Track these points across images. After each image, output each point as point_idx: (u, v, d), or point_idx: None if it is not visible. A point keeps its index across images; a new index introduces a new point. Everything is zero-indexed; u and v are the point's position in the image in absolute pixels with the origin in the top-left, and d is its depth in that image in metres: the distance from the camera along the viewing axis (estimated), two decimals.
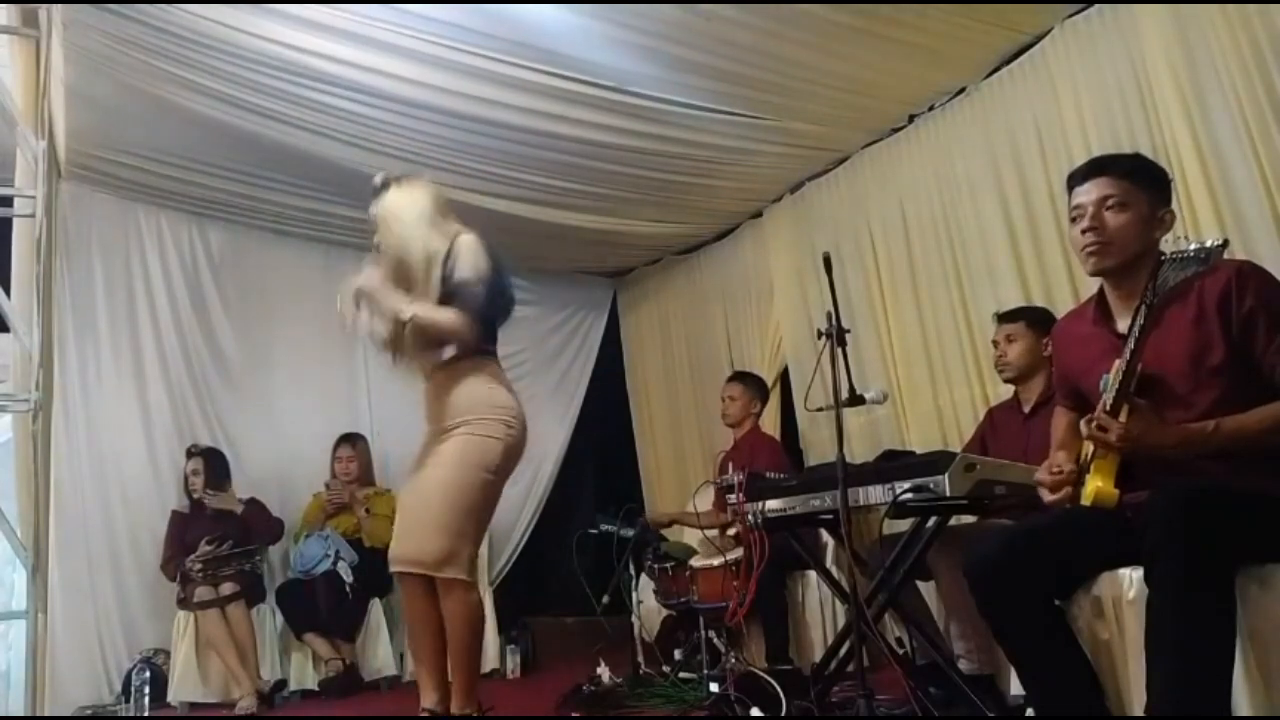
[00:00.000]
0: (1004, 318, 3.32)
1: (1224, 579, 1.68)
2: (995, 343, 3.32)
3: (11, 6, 3.57)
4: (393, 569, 2.87)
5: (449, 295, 2.78)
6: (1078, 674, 1.91)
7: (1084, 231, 2.04)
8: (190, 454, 4.82)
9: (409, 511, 2.86)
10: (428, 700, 2.90)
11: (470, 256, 2.81)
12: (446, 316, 2.76)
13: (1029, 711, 2.34)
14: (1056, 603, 2.00)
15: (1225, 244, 1.85)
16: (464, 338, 2.79)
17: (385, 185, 2.93)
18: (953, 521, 2.87)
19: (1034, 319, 3.21)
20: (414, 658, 2.98)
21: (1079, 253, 2.10)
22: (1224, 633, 1.66)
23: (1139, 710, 1.80)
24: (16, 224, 3.71)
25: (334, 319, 5.31)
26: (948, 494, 2.51)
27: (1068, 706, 1.90)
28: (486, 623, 4.96)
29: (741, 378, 4.65)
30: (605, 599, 4.20)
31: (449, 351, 2.84)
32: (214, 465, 4.80)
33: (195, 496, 4.72)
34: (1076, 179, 2.09)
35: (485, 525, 2.90)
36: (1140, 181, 2.03)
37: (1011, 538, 2.03)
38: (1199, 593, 1.66)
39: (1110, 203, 2.02)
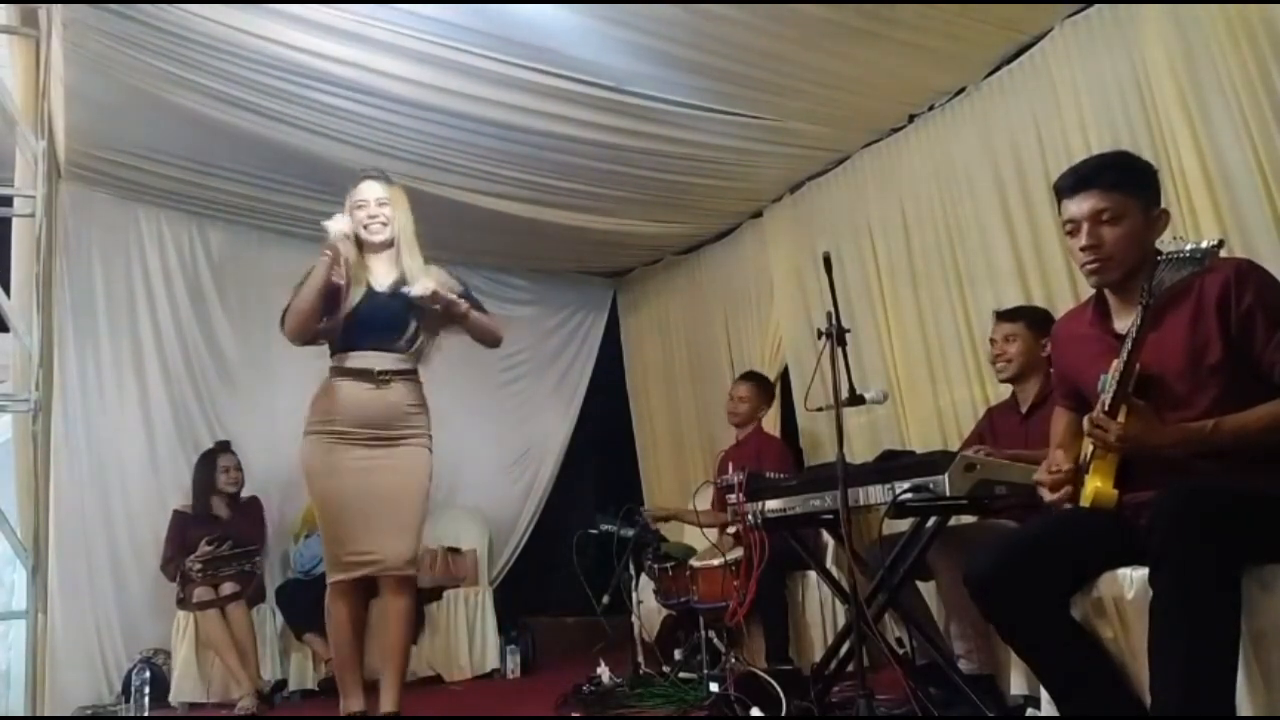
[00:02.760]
0: (1003, 316, 3.32)
1: (1229, 580, 1.68)
2: (993, 340, 3.31)
3: (11, 6, 3.57)
4: (368, 571, 2.92)
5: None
6: (1099, 670, 1.90)
7: (1082, 249, 2.03)
8: (227, 449, 4.82)
9: (385, 517, 2.92)
10: (358, 704, 2.94)
11: (447, 277, 3.08)
12: (495, 322, 3.13)
13: (1029, 711, 2.34)
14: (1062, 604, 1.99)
15: (1221, 244, 1.85)
16: (500, 341, 3.17)
17: (389, 177, 3.13)
18: (953, 521, 2.87)
19: (1033, 319, 3.21)
20: (346, 663, 2.99)
21: (1079, 266, 2.09)
22: (1229, 633, 1.66)
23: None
24: (16, 224, 3.71)
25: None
26: (948, 494, 2.50)
27: (1096, 704, 1.89)
28: (487, 623, 5.02)
29: (752, 378, 4.65)
30: (605, 599, 4.20)
31: (411, 360, 3.04)
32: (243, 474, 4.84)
33: (233, 491, 4.75)
34: (1066, 191, 2.07)
35: None
36: (1130, 189, 2.02)
37: (1009, 545, 2.03)
38: (1205, 594, 1.66)
39: (1104, 217, 2.00)
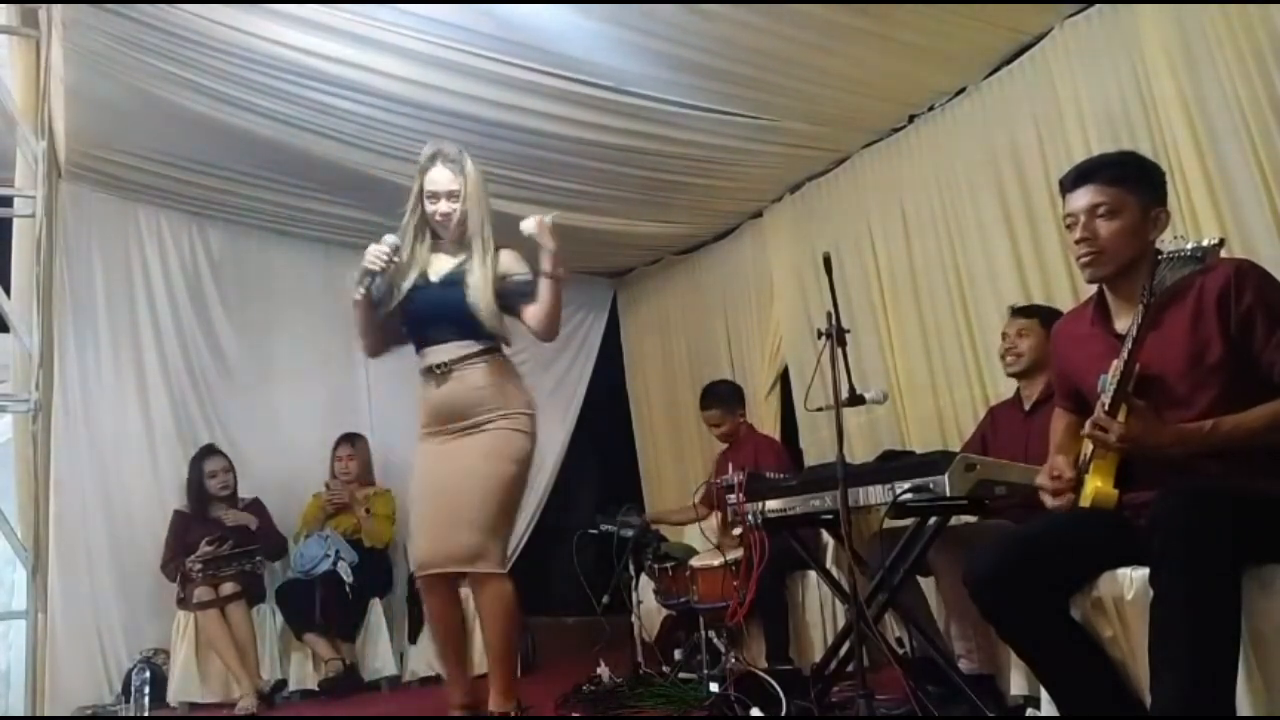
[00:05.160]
0: (1019, 312, 3.30)
1: (1229, 581, 1.68)
2: (1005, 334, 3.29)
3: (11, 6, 3.57)
4: (425, 572, 2.84)
5: (516, 293, 2.89)
6: (1099, 670, 1.90)
7: (1077, 242, 2.05)
8: (212, 452, 4.81)
9: (441, 512, 2.82)
10: (457, 698, 2.90)
11: (518, 263, 2.94)
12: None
13: (1029, 711, 2.34)
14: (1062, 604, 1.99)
15: (1221, 243, 1.86)
16: (557, 331, 2.93)
17: (463, 156, 2.98)
18: (953, 521, 2.87)
19: (1047, 318, 3.17)
20: (443, 659, 2.99)
21: (1075, 261, 2.11)
22: (1230, 634, 1.66)
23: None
24: (16, 224, 3.71)
25: (334, 319, 5.28)
26: (948, 494, 2.51)
27: (1096, 704, 1.89)
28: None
29: (711, 400, 4.53)
30: (605, 599, 4.20)
31: (477, 345, 2.87)
32: (235, 474, 4.82)
33: (225, 494, 4.74)
34: (1067, 185, 2.10)
35: (515, 518, 2.93)
36: (1130, 185, 2.03)
37: (1009, 546, 2.02)
38: (1205, 594, 1.66)
39: (1101, 210, 2.02)
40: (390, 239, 2.89)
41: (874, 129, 4.36)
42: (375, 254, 2.84)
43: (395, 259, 2.87)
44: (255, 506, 4.83)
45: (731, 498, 3.17)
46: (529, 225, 2.85)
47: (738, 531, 3.48)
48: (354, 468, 5.01)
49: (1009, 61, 3.77)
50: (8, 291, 3.56)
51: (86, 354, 4.83)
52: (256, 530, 4.74)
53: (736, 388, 4.68)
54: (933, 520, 2.76)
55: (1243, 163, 2.97)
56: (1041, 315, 3.21)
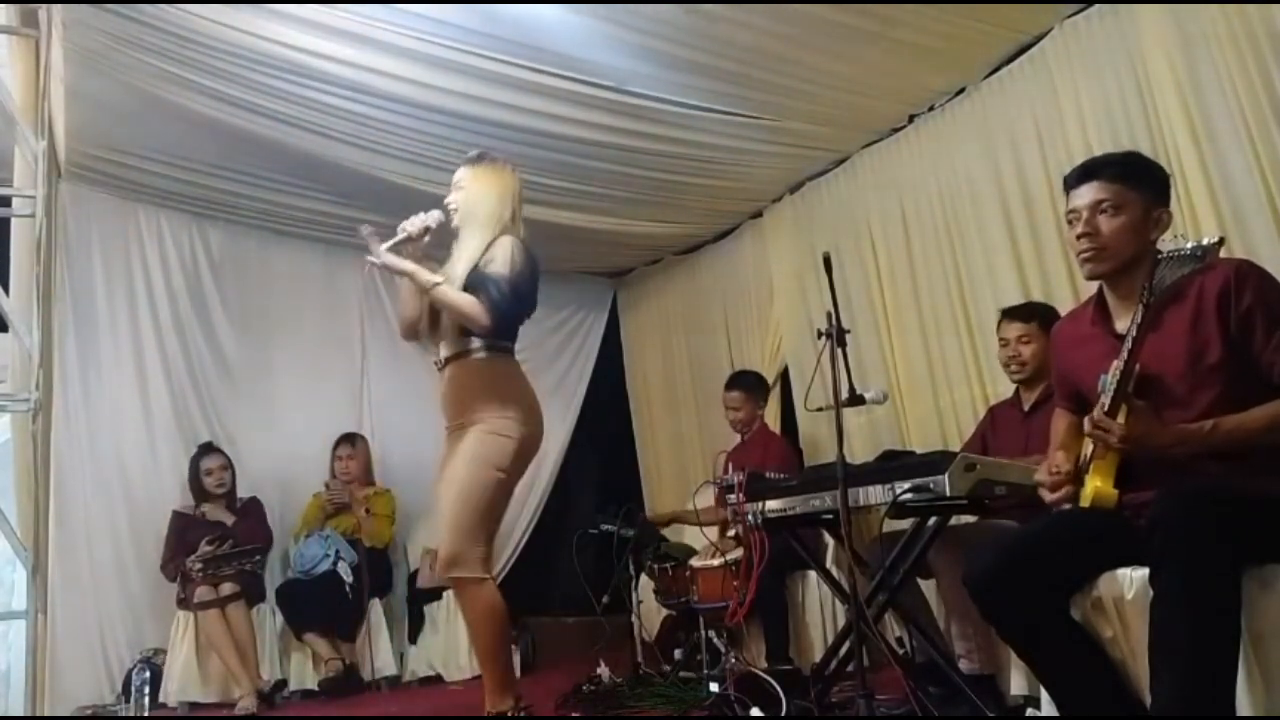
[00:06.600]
0: (1015, 315, 3.26)
1: (1229, 581, 1.68)
2: (1005, 340, 3.25)
3: (11, 6, 3.57)
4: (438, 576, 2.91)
5: (475, 284, 2.81)
6: (1099, 670, 1.91)
7: (1078, 237, 2.05)
8: (209, 450, 4.81)
9: (441, 517, 2.85)
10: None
11: (504, 252, 2.86)
12: (466, 300, 2.79)
13: (1029, 711, 2.34)
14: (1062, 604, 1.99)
15: (1221, 241, 1.87)
16: (480, 324, 2.80)
17: (481, 157, 3.00)
18: (953, 521, 2.87)
19: (1045, 319, 3.14)
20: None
21: (1075, 255, 2.11)
22: (1230, 633, 1.66)
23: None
24: (16, 224, 3.71)
25: (334, 319, 5.29)
26: (948, 494, 2.51)
27: (1096, 704, 1.89)
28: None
29: (740, 383, 4.55)
30: (605, 599, 4.20)
31: (471, 342, 2.86)
32: (234, 473, 4.82)
33: (221, 492, 4.73)
34: (1071, 181, 2.11)
35: (496, 523, 2.88)
36: (1134, 183, 2.04)
37: (1009, 546, 2.03)
38: (1205, 594, 1.66)
39: (1103, 207, 2.03)
40: (435, 213, 2.90)
41: (874, 129, 4.35)
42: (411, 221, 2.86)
43: (429, 228, 2.87)
44: (251, 505, 4.83)
45: (732, 498, 3.17)
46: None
47: (732, 533, 3.48)
48: (354, 468, 5.02)
49: (1009, 61, 3.77)
50: (7, 291, 3.56)
51: (86, 354, 4.83)
52: (243, 526, 4.73)
53: (765, 382, 4.69)
54: (933, 520, 2.76)
55: (1243, 163, 2.97)
56: (1040, 317, 3.18)
